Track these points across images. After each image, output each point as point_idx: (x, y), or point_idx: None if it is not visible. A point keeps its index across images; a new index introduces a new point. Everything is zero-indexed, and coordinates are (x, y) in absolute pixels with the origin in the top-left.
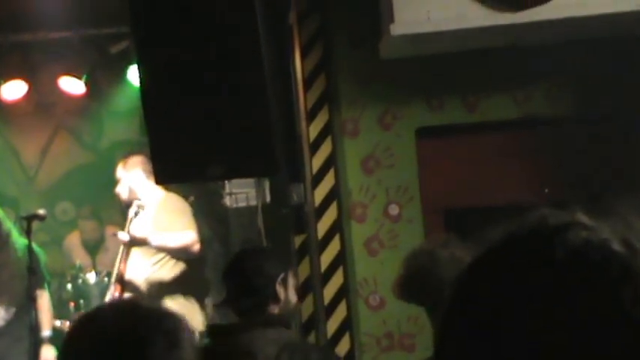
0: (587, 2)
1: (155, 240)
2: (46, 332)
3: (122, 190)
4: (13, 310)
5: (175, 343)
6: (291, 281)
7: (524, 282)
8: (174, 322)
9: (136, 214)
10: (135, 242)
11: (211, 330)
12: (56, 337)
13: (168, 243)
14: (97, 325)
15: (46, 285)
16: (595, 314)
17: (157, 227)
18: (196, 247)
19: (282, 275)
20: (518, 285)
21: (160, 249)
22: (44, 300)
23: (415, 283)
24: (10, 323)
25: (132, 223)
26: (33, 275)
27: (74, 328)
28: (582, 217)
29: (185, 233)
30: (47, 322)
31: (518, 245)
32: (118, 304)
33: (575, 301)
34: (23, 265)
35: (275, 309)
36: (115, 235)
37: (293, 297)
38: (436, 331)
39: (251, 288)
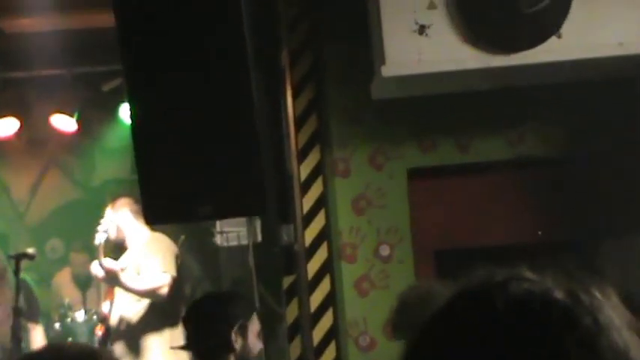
0: (576, 46)
1: (125, 281)
2: None
3: (111, 231)
4: (7, 349)
5: None
6: (253, 328)
7: (475, 334)
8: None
9: (105, 241)
10: (110, 279)
11: None
12: None
13: (136, 286)
14: None
15: (40, 319)
16: None
17: (135, 268)
18: (163, 290)
19: (239, 323)
20: (470, 339)
21: (128, 290)
22: (38, 333)
23: (406, 317)
24: None
25: (104, 256)
26: (20, 316)
27: None
28: (526, 272)
29: (158, 276)
30: None
31: (467, 299)
32: (47, 351)
33: (522, 350)
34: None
35: (231, 357)
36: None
37: (255, 344)
38: None
39: (206, 335)
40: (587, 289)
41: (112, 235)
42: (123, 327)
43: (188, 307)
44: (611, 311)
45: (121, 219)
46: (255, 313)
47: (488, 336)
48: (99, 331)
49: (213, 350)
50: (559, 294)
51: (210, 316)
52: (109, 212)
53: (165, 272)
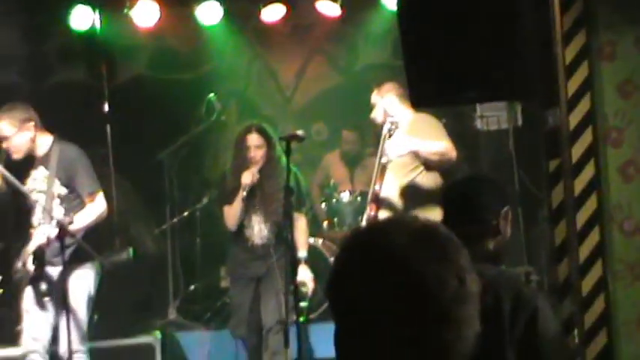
0: None
1: (411, 144)
2: (302, 253)
3: (377, 115)
4: (275, 230)
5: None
6: (509, 216)
7: None
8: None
9: (390, 131)
10: (390, 161)
11: None
12: (310, 255)
13: (424, 147)
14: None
15: (304, 208)
16: None
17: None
18: (453, 154)
19: (506, 208)
20: None
21: (416, 154)
22: (302, 222)
23: None
24: (270, 243)
25: (386, 142)
26: (291, 195)
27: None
28: None
29: (439, 142)
30: (304, 243)
31: None
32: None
33: None
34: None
35: (491, 244)
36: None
37: (508, 232)
38: None
39: (469, 218)
40: None
41: (379, 120)
42: (392, 205)
43: (448, 186)
44: None
45: (387, 103)
46: None
47: None
48: (371, 211)
49: (473, 234)
50: None
51: (475, 199)
52: (375, 97)
53: (443, 141)
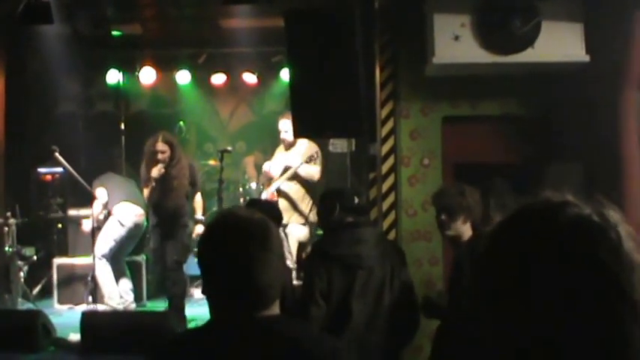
0: (542, 54)
1: (302, 170)
2: (199, 216)
3: (288, 136)
4: (182, 204)
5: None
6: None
7: (540, 239)
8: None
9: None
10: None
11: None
12: None
13: (307, 171)
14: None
15: (199, 190)
16: (584, 265)
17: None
18: (317, 177)
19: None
20: (535, 243)
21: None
22: (198, 197)
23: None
24: (177, 213)
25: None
26: (221, 185)
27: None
28: (572, 199)
29: (316, 168)
30: (200, 209)
31: (533, 214)
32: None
33: (573, 255)
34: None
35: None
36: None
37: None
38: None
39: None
40: (608, 211)
41: (290, 139)
42: (283, 196)
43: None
44: (623, 226)
45: (286, 128)
46: None
47: (550, 241)
48: (267, 195)
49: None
50: (595, 216)
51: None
52: (285, 123)
53: (317, 166)
